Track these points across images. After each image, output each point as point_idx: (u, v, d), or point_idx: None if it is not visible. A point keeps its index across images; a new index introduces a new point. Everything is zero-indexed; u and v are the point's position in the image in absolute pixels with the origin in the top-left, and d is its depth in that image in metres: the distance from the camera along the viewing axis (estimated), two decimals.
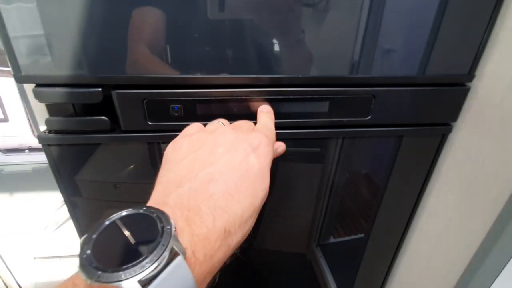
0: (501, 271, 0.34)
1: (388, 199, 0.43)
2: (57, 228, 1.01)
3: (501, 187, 0.32)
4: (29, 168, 0.94)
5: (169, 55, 0.27)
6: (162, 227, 0.15)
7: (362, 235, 0.50)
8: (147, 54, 0.27)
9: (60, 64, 0.26)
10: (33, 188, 0.95)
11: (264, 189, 0.22)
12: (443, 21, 0.30)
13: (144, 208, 0.17)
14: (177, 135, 0.31)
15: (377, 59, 0.31)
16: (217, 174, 0.20)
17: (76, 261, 0.14)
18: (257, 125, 0.28)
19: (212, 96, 0.30)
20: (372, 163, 0.46)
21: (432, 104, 0.34)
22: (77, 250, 0.15)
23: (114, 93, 0.28)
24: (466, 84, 0.34)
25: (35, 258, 0.98)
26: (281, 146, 0.29)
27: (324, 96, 0.31)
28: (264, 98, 0.31)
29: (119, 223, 0.16)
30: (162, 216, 0.16)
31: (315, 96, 0.31)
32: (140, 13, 0.25)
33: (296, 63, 0.30)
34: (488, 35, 0.31)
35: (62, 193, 0.34)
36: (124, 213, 0.16)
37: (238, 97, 0.30)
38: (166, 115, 0.30)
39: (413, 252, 0.48)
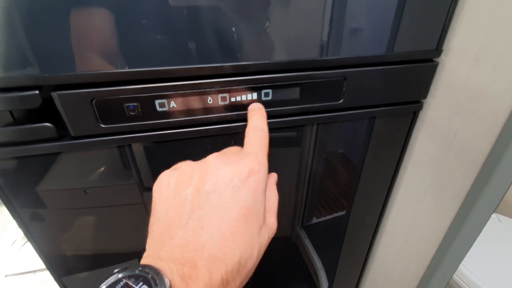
0: (473, 242, 0.36)
1: (365, 178, 0.43)
2: (26, 242, 0.94)
3: (472, 161, 0.32)
4: None
5: (120, 47, 0.24)
6: None
7: (343, 212, 0.51)
8: (93, 46, 0.24)
9: None
10: None
11: (259, 223, 0.21)
12: None
13: (140, 269, 0.16)
14: (136, 136, 0.28)
15: (345, 40, 0.30)
16: (207, 218, 0.19)
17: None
18: (246, 129, 0.26)
19: (172, 91, 0.27)
20: (347, 143, 0.46)
21: (403, 82, 0.34)
22: None
23: (55, 95, 0.24)
24: (434, 59, 0.34)
25: (6, 275, 0.92)
26: (275, 177, 0.27)
27: (294, 82, 0.29)
28: (231, 89, 0.28)
29: (118, 284, 0.16)
30: (157, 277, 0.16)
31: (285, 83, 0.29)
32: None
33: (263, 50, 0.28)
34: (454, 8, 0.30)
35: (13, 215, 0.30)
36: (120, 275, 0.16)
37: (202, 90, 0.27)
38: (121, 115, 0.26)
39: (392, 228, 0.49)
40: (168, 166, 0.33)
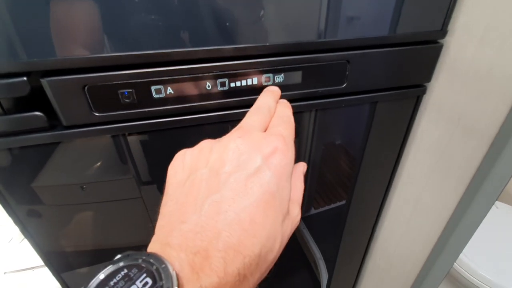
0: (476, 228, 0.35)
1: (366, 166, 0.42)
2: (23, 239, 0.93)
3: (477, 144, 0.32)
4: None
5: (113, 29, 0.23)
6: (161, 286, 0.14)
7: (341, 203, 0.50)
8: (84, 29, 0.22)
9: None
10: None
11: (283, 212, 0.18)
12: None
13: (143, 258, 0.15)
14: (132, 125, 0.27)
15: (348, 20, 0.28)
16: (225, 202, 0.17)
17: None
18: (272, 119, 0.23)
19: (169, 76, 0.25)
20: (345, 133, 0.46)
21: (406, 65, 0.33)
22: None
23: (44, 81, 0.23)
24: (439, 41, 0.33)
25: (5, 273, 0.91)
26: (303, 166, 0.25)
27: (296, 66, 0.28)
28: (230, 73, 0.27)
29: (119, 274, 0.14)
30: (162, 270, 0.14)
31: (286, 66, 0.28)
32: None
33: (263, 32, 0.26)
34: None
35: (8, 212, 0.29)
36: (121, 263, 0.15)
37: (199, 74, 0.26)
38: (115, 103, 0.25)
39: (393, 216, 0.49)
40: (166, 158, 0.32)
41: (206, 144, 0.20)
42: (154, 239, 0.17)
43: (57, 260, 0.37)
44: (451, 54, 0.32)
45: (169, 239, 0.16)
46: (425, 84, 0.35)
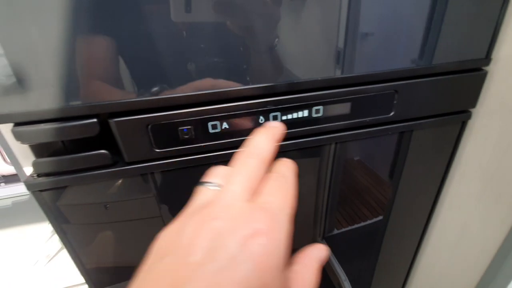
0: None
1: (405, 190, 0.41)
2: (48, 261, 0.94)
3: None
4: (8, 202, 0.86)
5: (177, 71, 0.24)
6: None
7: (365, 223, 0.48)
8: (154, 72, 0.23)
9: (41, 96, 0.22)
10: (15, 223, 0.87)
11: None
12: (452, 5, 0.28)
13: None
14: (189, 159, 0.28)
15: (393, 52, 0.29)
16: None
17: None
18: (265, 180, 0.18)
19: (225, 112, 0.26)
20: (364, 149, 0.45)
21: (451, 92, 0.33)
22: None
23: (112, 122, 0.24)
24: (483, 68, 0.33)
25: None
26: (321, 250, 0.19)
27: (346, 98, 0.29)
28: (281, 108, 0.28)
29: None
30: None
31: (336, 99, 0.28)
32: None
33: (317, 67, 0.27)
34: (504, 14, 0.29)
35: (58, 233, 0.30)
36: None
37: (252, 110, 0.27)
38: (174, 139, 0.26)
39: (437, 242, 0.47)
40: (187, 176, 0.31)
41: (183, 219, 0.16)
42: None
43: (96, 277, 0.36)
44: (497, 81, 0.32)
45: None
46: (470, 109, 0.35)
